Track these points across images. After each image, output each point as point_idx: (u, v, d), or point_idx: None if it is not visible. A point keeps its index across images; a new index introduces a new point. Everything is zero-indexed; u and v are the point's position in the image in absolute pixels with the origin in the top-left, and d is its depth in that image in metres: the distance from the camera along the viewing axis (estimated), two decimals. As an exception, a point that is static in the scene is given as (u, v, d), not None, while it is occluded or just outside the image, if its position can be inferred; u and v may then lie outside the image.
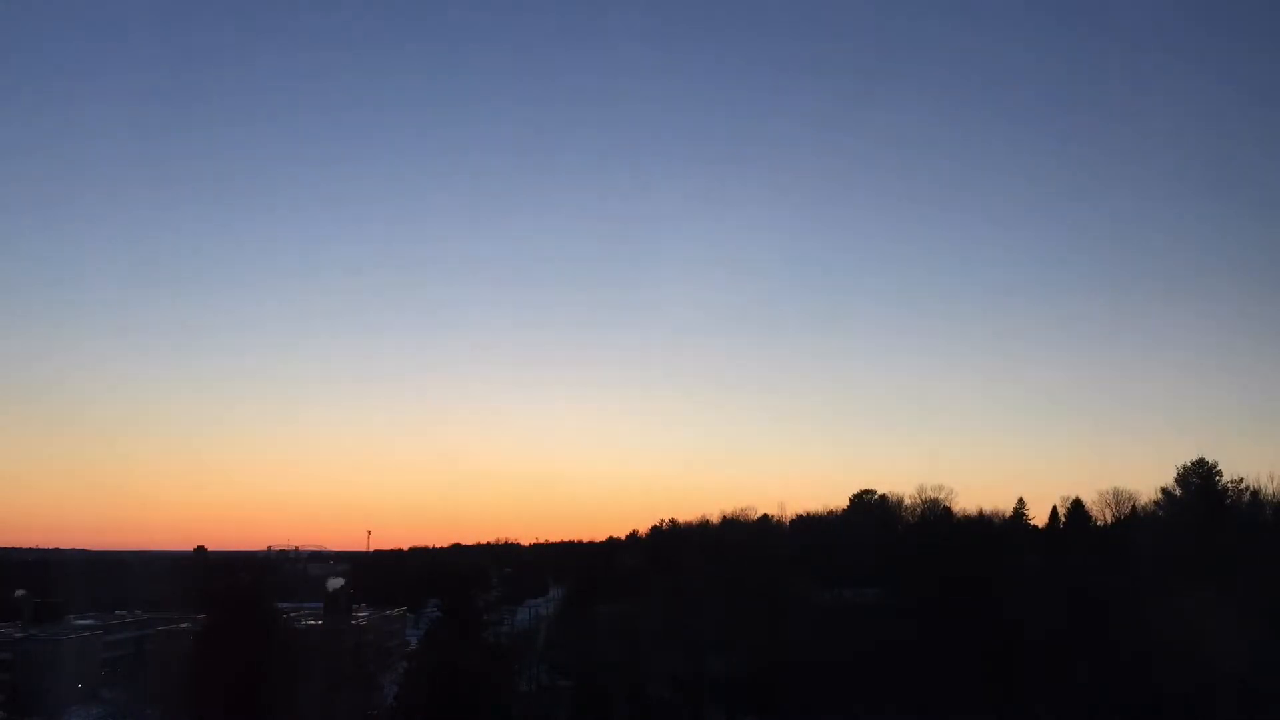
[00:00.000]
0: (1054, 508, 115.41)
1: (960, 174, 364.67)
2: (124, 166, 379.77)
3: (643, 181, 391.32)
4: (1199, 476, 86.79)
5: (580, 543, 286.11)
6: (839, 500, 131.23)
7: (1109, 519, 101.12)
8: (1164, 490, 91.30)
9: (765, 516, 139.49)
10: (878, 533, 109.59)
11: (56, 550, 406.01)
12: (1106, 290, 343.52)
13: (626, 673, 79.22)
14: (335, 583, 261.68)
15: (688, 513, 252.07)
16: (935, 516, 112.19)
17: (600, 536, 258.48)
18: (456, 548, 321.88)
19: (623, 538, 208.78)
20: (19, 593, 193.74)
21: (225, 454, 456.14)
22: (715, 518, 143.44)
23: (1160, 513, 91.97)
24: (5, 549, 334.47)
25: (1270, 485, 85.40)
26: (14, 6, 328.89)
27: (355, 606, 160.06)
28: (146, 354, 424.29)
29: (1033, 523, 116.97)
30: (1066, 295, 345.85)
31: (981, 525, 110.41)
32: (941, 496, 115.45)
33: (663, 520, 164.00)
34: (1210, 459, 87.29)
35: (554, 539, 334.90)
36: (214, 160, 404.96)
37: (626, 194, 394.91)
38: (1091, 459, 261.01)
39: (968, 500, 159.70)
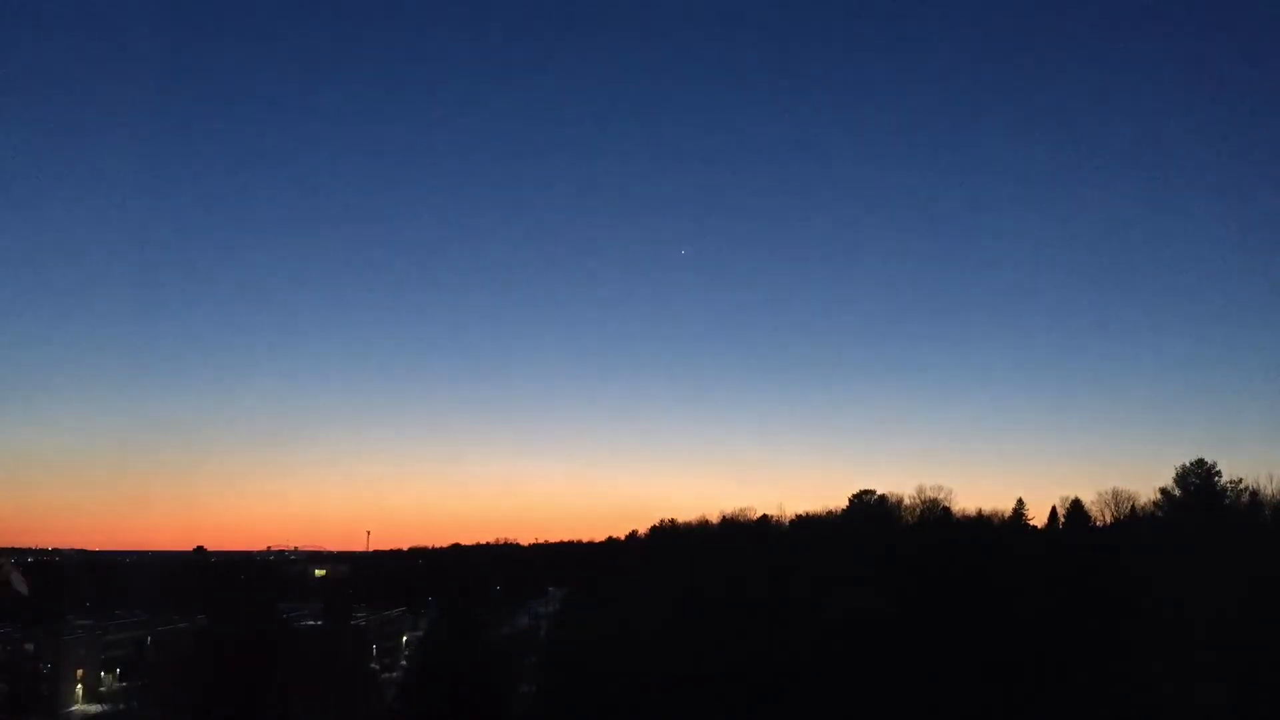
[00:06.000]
0: (1053, 508, 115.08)
1: (960, 174, 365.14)
2: (126, 170, 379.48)
3: (639, 185, 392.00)
4: (1198, 477, 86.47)
5: (580, 543, 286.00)
6: (838, 500, 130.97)
7: (1108, 519, 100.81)
8: (1163, 490, 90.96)
9: (765, 517, 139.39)
10: (877, 533, 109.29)
11: (56, 550, 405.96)
12: (1106, 290, 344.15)
13: (626, 674, 79.22)
14: (334, 583, 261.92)
15: (688, 513, 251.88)
16: (934, 517, 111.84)
17: (600, 536, 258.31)
18: (456, 548, 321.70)
19: (622, 538, 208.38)
20: (19, 585, 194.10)
21: (225, 454, 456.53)
22: (715, 518, 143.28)
23: (1159, 513, 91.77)
24: (5, 549, 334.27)
25: (1270, 485, 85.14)
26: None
27: (355, 607, 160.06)
28: (146, 354, 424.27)
29: (1032, 523, 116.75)
30: (1066, 295, 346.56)
31: (981, 525, 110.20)
32: (941, 497, 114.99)
33: (663, 520, 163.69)
34: (1210, 459, 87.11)
35: (554, 539, 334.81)
36: (210, 162, 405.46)
37: (622, 194, 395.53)
38: (1091, 459, 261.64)
39: (967, 500, 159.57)
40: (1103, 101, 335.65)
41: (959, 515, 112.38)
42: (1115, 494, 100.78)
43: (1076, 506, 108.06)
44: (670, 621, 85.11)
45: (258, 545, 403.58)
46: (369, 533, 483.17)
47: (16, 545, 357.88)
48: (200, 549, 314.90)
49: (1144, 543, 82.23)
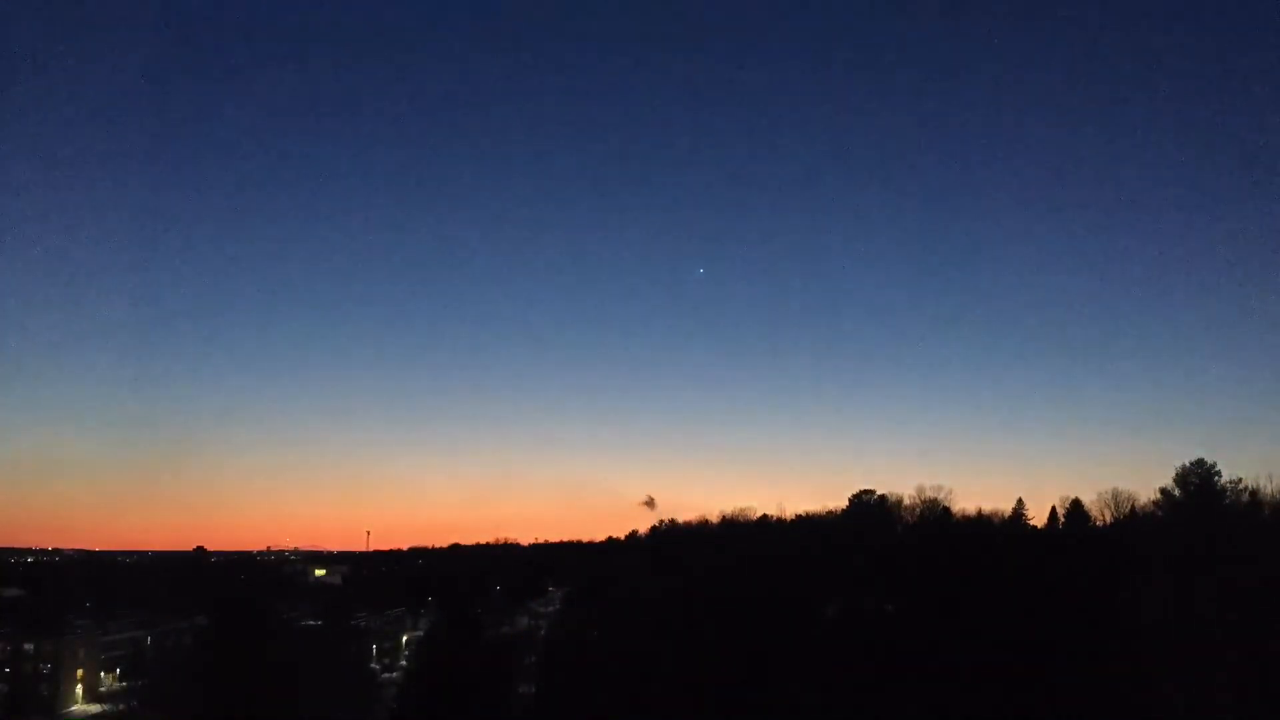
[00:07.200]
0: (1053, 508, 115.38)
1: (961, 174, 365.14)
2: (128, 171, 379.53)
3: (630, 189, 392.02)
4: (1198, 477, 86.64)
5: (580, 543, 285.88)
6: (838, 500, 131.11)
7: (1108, 519, 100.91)
8: (1163, 490, 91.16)
9: (765, 516, 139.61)
10: (877, 533, 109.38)
11: (56, 550, 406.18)
12: (1106, 291, 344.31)
13: (626, 674, 79.17)
14: (334, 583, 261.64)
15: (688, 513, 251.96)
16: (934, 517, 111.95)
17: (600, 536, 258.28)
18: (456, 548, 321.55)
19: (623, 538, 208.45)
20: (17, 593, 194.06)
21: (225, 454, 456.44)
22: (715, 518, 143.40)
23: (1159, 513, 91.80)
24: (5, 549, 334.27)
25: (1269, 485, 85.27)
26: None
27: (355, 607, 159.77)
28: (147, 355, 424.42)
29: (1032, 523, 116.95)
30: (1066, 296, 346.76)
31: (981, 525, 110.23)
32: (941, 497, 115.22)
33: (663, 520, 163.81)
34: (1210, 459, 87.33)
35: (554, 539, 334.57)
36: (212, 165, 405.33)
37: (616, 197, 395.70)
38: (1091, 459, 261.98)
39: (967, 500, 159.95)
40: (1103, 103, 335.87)
41: (959, 515, 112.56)
42: (1115, 494, 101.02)
43: (1076, 506, 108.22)
44: (670, 621, 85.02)
45: (258, 545, 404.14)
46: (369, 533, 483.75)
47: (16, 545, 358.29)
48: (200, 549, 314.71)
49: (1144, 543, 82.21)
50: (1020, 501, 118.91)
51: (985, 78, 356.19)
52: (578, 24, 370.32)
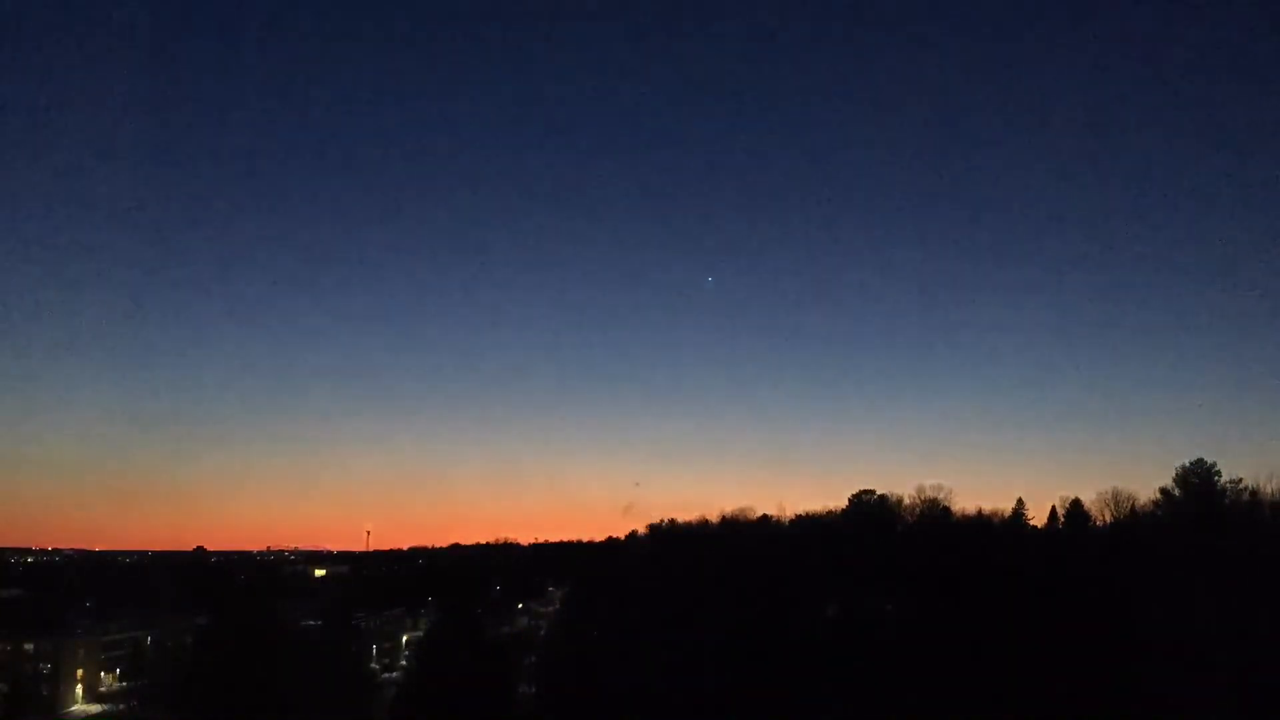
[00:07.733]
0: (1053, 508, 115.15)
1: (961, 175, 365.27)
2: (127, 169, 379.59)
3: (641, 200, 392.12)
4: (1198, 477, 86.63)
5: (580, 543, 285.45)
6: (838, 500, 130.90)
7: (1108, 519, 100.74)
8: (1163, 490, 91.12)
9: (765, 516, 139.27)
10: (877, 533, 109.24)
11: (56, 550, 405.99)
12: (1106, 290, 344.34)
13: (626, 674, 79.19)
14: (334, 583, 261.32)
15: (688, 513, 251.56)
16: (934, 517, 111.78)
17: (600, 536, 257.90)
18: (456, 548, 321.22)
19: (622, 538, 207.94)
20: (17, 593, 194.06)
21: (225, 454, 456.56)
22: (715, 518, 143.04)
23: (1159, 513, 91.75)
24: (5, 549, 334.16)
25: (1269, 485, 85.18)
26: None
27: (355, 607, 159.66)
28: (146, 354, 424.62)
29: (1032, 523, 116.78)
30: (1066, 296, 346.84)
31: (981, 525, 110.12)
32: (941, 497, 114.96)
33: (663, 520, 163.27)
34: (1210, 459, 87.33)
35: (554, 539, 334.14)
36: (212, 162, 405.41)
37: (627, 207, 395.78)
38: (1091, 459, 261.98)
39: (967, 500, 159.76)
40: (1105, 104, 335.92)
41: (959, 515, 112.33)
42: (1115, 494, 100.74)
43: (1076, 506, 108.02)
44: (670, 621, 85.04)
45: (258, 545, 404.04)
46: (369, 533, 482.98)
47: (16, 545, 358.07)
48: (200, 549, 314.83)
49: (1144, 543, 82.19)
50: (1020, 501, 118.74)
51: (987, 83, 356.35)
52: (588, 31, 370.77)
